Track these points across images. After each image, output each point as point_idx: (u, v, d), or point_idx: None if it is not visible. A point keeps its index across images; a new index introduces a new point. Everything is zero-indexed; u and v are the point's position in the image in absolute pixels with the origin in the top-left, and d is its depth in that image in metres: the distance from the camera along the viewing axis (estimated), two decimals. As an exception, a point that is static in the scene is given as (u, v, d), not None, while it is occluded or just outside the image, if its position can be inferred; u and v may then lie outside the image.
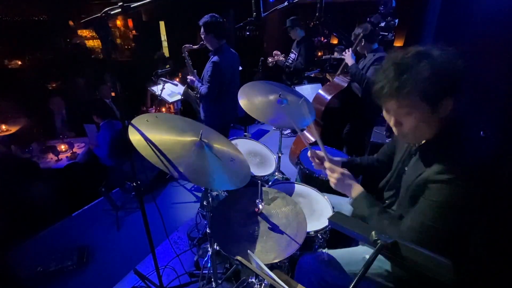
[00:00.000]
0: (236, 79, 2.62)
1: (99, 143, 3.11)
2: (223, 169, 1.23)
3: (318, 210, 1.54)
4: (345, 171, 1.22)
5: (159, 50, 6.60)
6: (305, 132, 2.91)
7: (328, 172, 1.25)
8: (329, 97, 2.64)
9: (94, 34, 7.35)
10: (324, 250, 1.29)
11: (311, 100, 2.59)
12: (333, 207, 1.52)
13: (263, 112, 1.74)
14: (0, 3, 6.19)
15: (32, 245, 2.38)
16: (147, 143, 1.11)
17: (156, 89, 3.08)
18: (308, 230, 1.32)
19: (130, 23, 7.98)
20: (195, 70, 2.69)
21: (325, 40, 6.28)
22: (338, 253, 1.26)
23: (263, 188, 1.46)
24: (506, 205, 1.55)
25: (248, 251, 0.99)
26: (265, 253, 1.19)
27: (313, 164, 1.39)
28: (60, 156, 3.27)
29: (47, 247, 2.33)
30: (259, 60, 4.44)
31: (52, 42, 6.61)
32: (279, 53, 3.98)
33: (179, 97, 3.11)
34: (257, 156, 1.97)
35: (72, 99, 4.25)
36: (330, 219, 0.87)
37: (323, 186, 1.75)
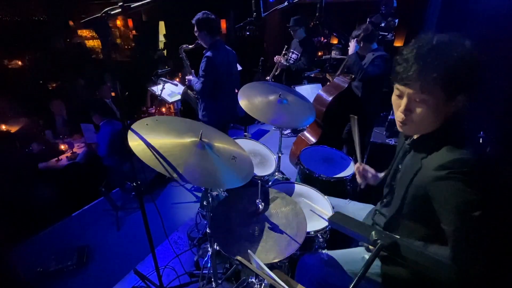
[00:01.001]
0: (234, 77, 2.59)
1: (98, 142, 3.11)
2: (227, 167, 1.23)
3: (318, 210, 1.54)
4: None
5: (159, 50, 6.60)
6: (305, 132, 2.91)
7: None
8: (330, 98, 2.63)
9: (94, 34, 7.35)
10: (323, 251, 1.29)
11: (311, 100, 2.58)
12: (333, 207, 1.52)
13: (263, 112, 1.74)
14: (0, 3, 6.19)
15: (32, 245, 2.38)
16: (150, 150, 1.09)
17: (156, 89, 3.08)
18: (308, 230, 1.32)
19: (130, 23, 7.98)
20: (193, 70, 2.68)
21: (325, 40, 6.27)
22: (337, 254, 1.26)
23: (263, 189, 1.47)
24: (506, 205, 1.55)
25: (248, 251, 0.99)
26: (265, 253, 1.19)
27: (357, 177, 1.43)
28: (60, 156, 3.28)
29: (47, 247, 2.33)
30: (259, 60, 4.43)
31: (52, 42, 6.61)
32: (280, 58, 3.96)
33: (179, 97, 3.12)
34: (257, 156, 1.97)
35: (72, 100, 4.24)
36: (330, 219, 0.87)
37: (323, 187, 1.76)
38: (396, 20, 4.62)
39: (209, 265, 1.73)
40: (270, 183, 1.83)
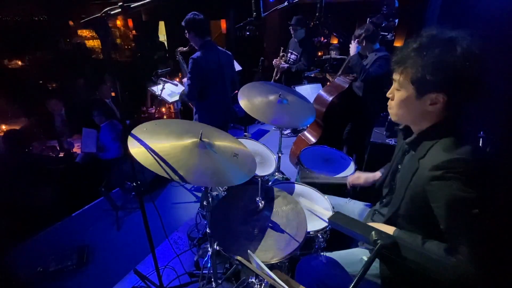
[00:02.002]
0: (226, 79, 2.52)
1: (105, 145, 3.11)
2: (230, 164, 1.23)
3: (318, 210, 1.54)
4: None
5: (159, 50, 6.61)
6: (305, 132, 2.91)
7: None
8: (330, 98, 2.63)
9: (94, 34, 7.35)
10: (323, 253, 1.29)
11: (311, 100, 2.58)
12: (333, 207, 1.52)
13: (263, 112, 1.74)
14: (0, 3, 6.19)
15: (32, 245, 2.38)
16: (152, 155, 1.08)
17: (156, 89, 3.08)
18: (308, 230, 1.32)
19: (130, 23, 7.98)
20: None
21: (325, 40, 6.27)
22: (336, 255, 1.26)
23: (264, 187, 1.46)
24: (506, 205, 1.55)
25: (248, 250, 0.99)
26: (264, 251, 1.19)
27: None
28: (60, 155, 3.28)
29: (47, 247, 2.33)
30: (259, 60, 4.44)
31: (52, 42, 6.61)
32: (278, 61, 3.96)
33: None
34: (257, 156, 1.97)
35: (71, 100, 4.23)
36: (330, 219, 0.87)
37: (323, 187, 1.75)
38: (396, 20, 4.63)
39: (209, 265, 1.73)
40: (270, 183, 1.83)
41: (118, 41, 8.23)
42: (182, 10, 2.35)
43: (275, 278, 0.83)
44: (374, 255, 0.71)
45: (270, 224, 1.32)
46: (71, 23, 7.13)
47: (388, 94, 1.04)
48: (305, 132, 2.90)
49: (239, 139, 2.08)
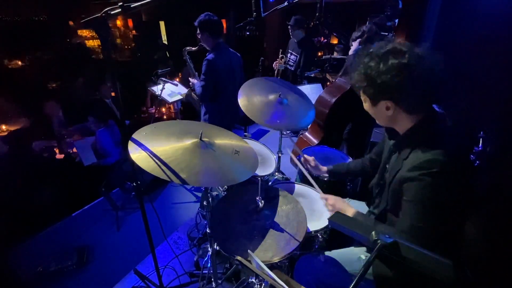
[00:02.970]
0: (237, 80, 2.57)
1: (106, 151, 3.11)
2: (232, 162, 1.23)
3: (318, 210, 1.54)
4: (334, 197, 1.33)
5: (159, 50, 6.60)
6: (306, 133, 2.91)
7: (324, 202, 1.36)
8: (333, 100, 2.60)
9: (94, 34, 7.35)
10: (321, 252, 1.29)
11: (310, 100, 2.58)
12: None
13: (262, 114, 1.72)
14: (0, 3, 6.19)
15: (32, 245, 2.38)
16: (153, 159, 1.07)
17: (156, 89, 3.07)
18: (308, 229, 1.32)
19: (130, 23, 7.99)
20: (196, 73, 2.68)
21: (325, 40, 6.27)
22: (335, 254, 1.27)
23: (264, 186, 1.46)
24: (506, 205, 1.55)
25: (249, 250, 1.00)
26: (264, 251, 1.19)
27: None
28: (58, 156, 3.28)
29: (47, 247, 2.33)
30: (259, 60, 4.43)
31: (52, 42, 6.61)
32: (278, 64, 3.96)
33: (179, 97, 3.11)
34: (257, 156, 1.97)
35: (69, 101, 4.21)
36: (330, 219, 0.87)
37: (322, 187, 1.75)
38: (396, 20, 4.62)
39: (209, 265, 1.73)
40: (270, 183, 1.83)
41: (118, 41, 8.24)
42: (182, 10, 2.35)
43: (275, 278, 0.83)
44: (374, 255, 0.71)
45: (270, 224, 1.32)
46: (71, 23, 7.13)
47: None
48: (307, 133, 2.89)
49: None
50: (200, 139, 1.22)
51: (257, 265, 0.92)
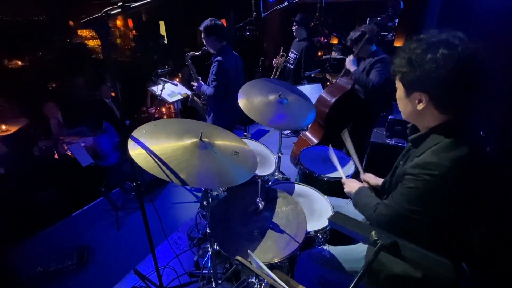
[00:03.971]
0: (241, 81, 2.62)
1: (104, 153, 3.11)
2: (231, 163, 1.23)
3: (318, 210, 1.54)
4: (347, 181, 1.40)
5: (159, 50, 6.61)
6: (306, 133, 2.91)
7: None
8: (333, 99, 2.61)
9: (94, 34, 7.36)
10: (325, 247, 1.29)
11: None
12: (333, 207, 1.52)
13: (262, 114, 1.73)
14: (0, 3, 6.19)
15: (32, 245, 2.38)
16: (153, 158, 1.07)
17: (156, 89, 3.08)
18: (308, 230, 1.32)
19: (130, 23, 7.99)
20: (199, 77, 2.70)
21: (325, 40, 6.28)
22: (339, 251, 1.26)
23: (264, 188, 1.46)
24: (506, 205, 1.55)
25: (248, 251, 0.99)
26: (264, 252, 1.19)
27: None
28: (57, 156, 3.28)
29: (47, 247, 2.33)
30: (259, 60, 4.43)
31: (52, 42, 6.61)
32: (278, 61, 3.95)
33: (179, 97, 3.11)
34: (257, 156, 1.97)
35: (68, 101, 4.20)
36: (330, 219, 0.87)
37: (323, 187, 1.75)
38: (396, 20, 4.62)
39: (209, 265, 1.73)
40: (270, 183, 1.83)
41: (118, 41, 8.24)
42: (182, 10, 2.36)
43: (275, 278, 0.83)
44: (375, 255, 0.71)
45: (270, 225, 1.32)
46: (71, 23, 7.13)
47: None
48: (307, 133, 2.90)
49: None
50: (200, 139, 1.22)
51: (257, 265, 0.92)
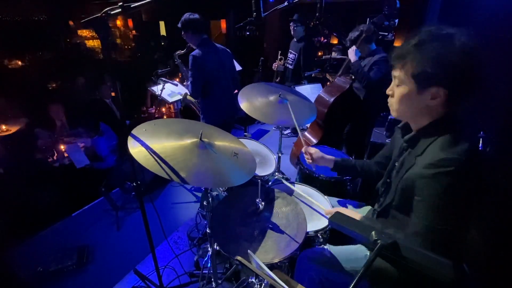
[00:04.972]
0: (227, 75, 2.53)
1: (102, 155, 3.11)
2: (230, 164, 1.22)
3: (318, 211, 1.54)
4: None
5: (159, 50, 6.61)
6: (306, 133, 2.91)
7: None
8: (332, 99, 2.62)
9: (94, 34, 7.35)
10: (325, 246, 1.29)
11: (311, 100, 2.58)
12: (333, 207, 1.52)
13: (264, 113, 1.74)
14: (0, 3, 6.19)
15: (32, 245, 2.38)
16: (152, 156, 1.07)
17: (156, 89, 3.08)
18: (308, 230, 1.32)
19: (130, 23, 7.99)
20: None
21: (325, 40, 6.28)
22: (339, 250, 1.26)
23: (264, 188, 1.47)
24: (506, 205, 1.55)
25: (248, 251, 0.99)
26: (264, 252, 1.19)
27: (306, 159, 1.58)
28: (56, 157, 3.27)
29: (47, 247, 2.33)
30: (259, 60, 4.44)
31: (52, 42, 6.61)
32: (277, 65, 3.95)
33: (179, 97, 3.11)
34: (257, 156, 1.97)
35: (71, 100, 4.20)
36: (330, 219, 0.87)
37: (323, 187, 1.75)
38: (396, 20, 4.62)
39: (209, 265, 1.73)
40: (270, 183, 1.83)
41: (118, 41, 8.24)
42: (182, 10, 2.36)
43: (275, 278, 0.83)
44: (374, 255, 0.71)
45: (270, 226, 1.32)
46: (71, 23, 7.13)
47: (388, 91, 1.06)
48: (306, 133, 2.90)
49: (239, 139, 2.09)
50: (200, 139, 1.22)
51: (257, 265, 0.92)
